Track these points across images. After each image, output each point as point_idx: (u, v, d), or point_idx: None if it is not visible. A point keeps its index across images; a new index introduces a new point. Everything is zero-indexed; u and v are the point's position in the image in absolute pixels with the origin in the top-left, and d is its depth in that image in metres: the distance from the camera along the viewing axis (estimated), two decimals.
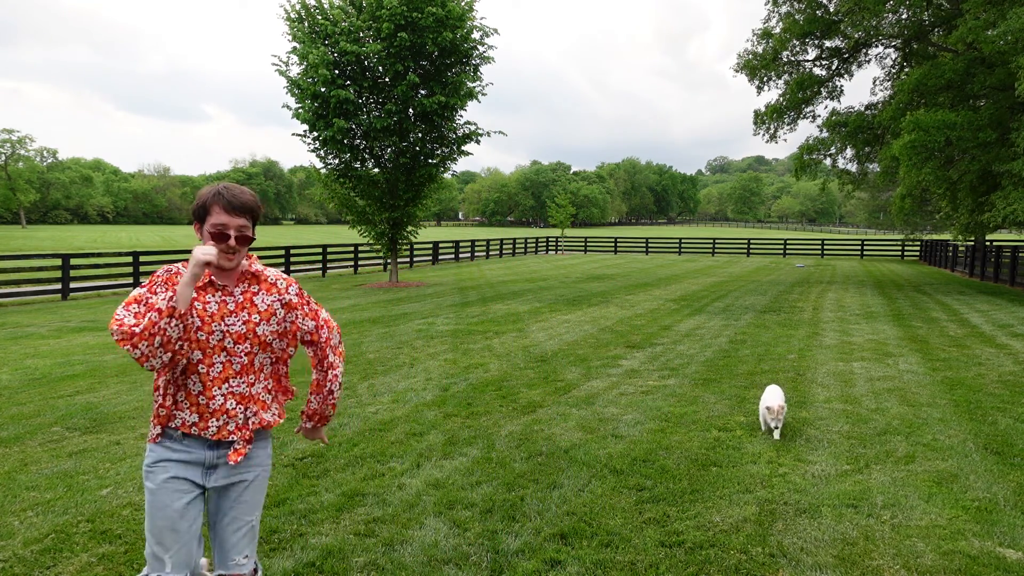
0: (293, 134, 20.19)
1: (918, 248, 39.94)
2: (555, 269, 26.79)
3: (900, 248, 40.75)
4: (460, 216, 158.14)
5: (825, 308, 13.92)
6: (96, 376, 7.39)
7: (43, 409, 6.04)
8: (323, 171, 19.90)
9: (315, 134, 18.78)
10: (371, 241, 20.32)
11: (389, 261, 21.98)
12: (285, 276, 2.41)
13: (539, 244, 45.59)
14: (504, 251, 40.30)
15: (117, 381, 7.15)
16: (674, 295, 16.35)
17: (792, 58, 23.92)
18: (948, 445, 5.09)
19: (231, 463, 2.26)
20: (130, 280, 18.10)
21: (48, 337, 10.11)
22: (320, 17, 18.04)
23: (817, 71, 24.34)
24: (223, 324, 2.20)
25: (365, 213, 19.67)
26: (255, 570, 2.40)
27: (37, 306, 14.42)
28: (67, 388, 6.84)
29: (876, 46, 23.75)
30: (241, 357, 2.24)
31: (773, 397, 5.26)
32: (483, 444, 5.07)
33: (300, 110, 18.41)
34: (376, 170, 19.98)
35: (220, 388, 2.22)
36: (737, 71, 24.42)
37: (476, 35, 18.96)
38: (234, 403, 2.24)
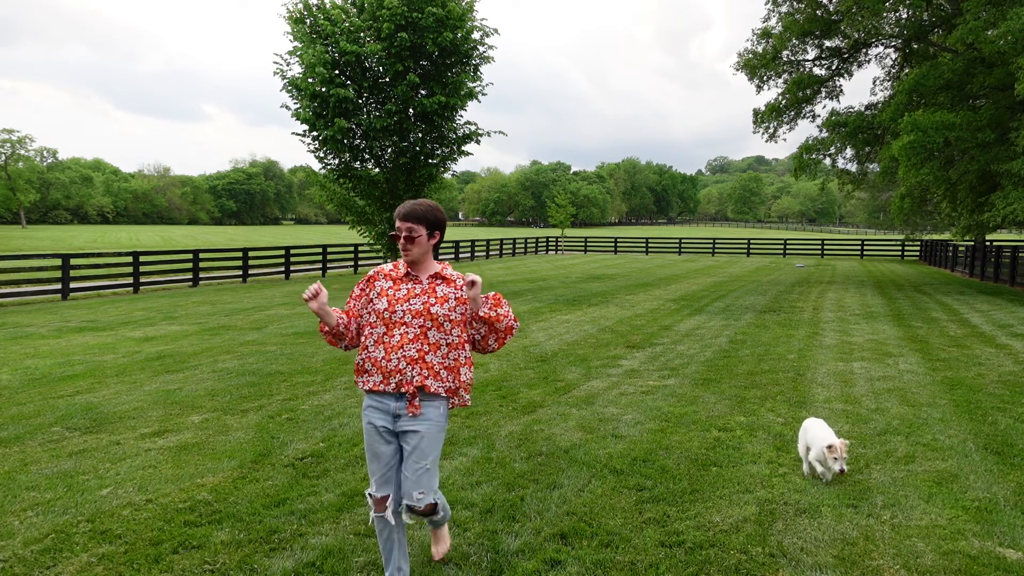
0: (293, 134, 20.21)
1: (918, 248, 39.94)
2: (555, 269, 26.79)
3: (900, 248, 40.76)
4: (460, 216, 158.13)
5: (825, 308, 13.92)
6: (96, 376, 7.39)
7: (43, 409, 6.04)
8: (322, 172, 19.90)
9: (315, 134, 18.78)
10: (371, 241, 20.33)
11: (389, 261, 22.01)
12: (464, 277, 2.96)
13: (539, 244, 45.60)
14: (504, 251, 40.31)
15: (117, 381, 7.15)
16: (674, 295, 16.36)
17: (792, 57, 23.93)
18: (948, 445, 5.09)
19: (409, 414, 2.87)
20: (130, 280, 18.07)
21: (48, 337, 10.11)
22: (321, 17, 18.05)
23: (817, 71, 24.37)
24: (406, 305, 2.88)
25: (365, 213, 19.68)
26: (435, 504, 2.95)
27: (37, 306, 14.42)
28: (67, 388, 6.84)
29: (876, 46, 23.78)
30: (415, 328, 2.86)
31: (829, 432, 4.36)
32: (483, 444, 5.07)
33: (299, 110, 18.41)
34: (376, 170, 19.99)
35: (396, 353, 2.85)
36: (737, 69, 24.45)
37: (476, 35, 18.99)
38: (404, 364, 2.85)
